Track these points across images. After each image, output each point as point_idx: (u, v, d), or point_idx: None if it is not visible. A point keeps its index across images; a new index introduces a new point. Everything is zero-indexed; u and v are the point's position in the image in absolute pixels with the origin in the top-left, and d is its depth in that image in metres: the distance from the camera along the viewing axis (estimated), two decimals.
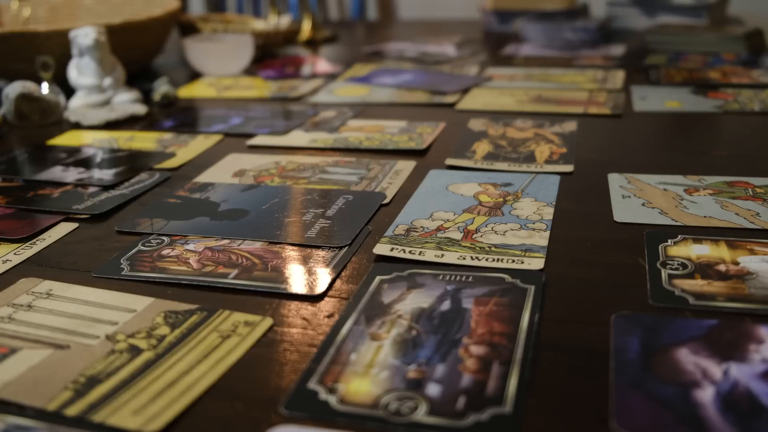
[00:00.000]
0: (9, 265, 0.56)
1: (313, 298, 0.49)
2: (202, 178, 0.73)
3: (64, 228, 0.62)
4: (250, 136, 0.86)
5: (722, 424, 0.35)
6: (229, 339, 0.44)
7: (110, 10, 1.34)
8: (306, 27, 1.49)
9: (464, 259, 0.53)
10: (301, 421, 0.37)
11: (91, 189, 0.70)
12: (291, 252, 0.56)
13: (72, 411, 0.38)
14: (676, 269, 0.50)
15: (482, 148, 0.78)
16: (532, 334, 0.43)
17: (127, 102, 0.99)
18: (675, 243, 0.54)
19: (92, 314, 0.48)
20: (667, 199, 0.62)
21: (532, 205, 0.63)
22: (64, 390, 0.39)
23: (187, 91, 1.09)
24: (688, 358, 0.41)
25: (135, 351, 0.43)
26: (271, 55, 1.34)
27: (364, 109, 0.96)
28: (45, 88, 0.97)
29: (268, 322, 0.46)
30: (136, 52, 1.13)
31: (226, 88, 1.10)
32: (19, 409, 0.38)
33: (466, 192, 0.66)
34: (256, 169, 0.74)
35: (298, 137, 0.85)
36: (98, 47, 0.97)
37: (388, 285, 0.50)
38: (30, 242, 0.59)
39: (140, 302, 0.49)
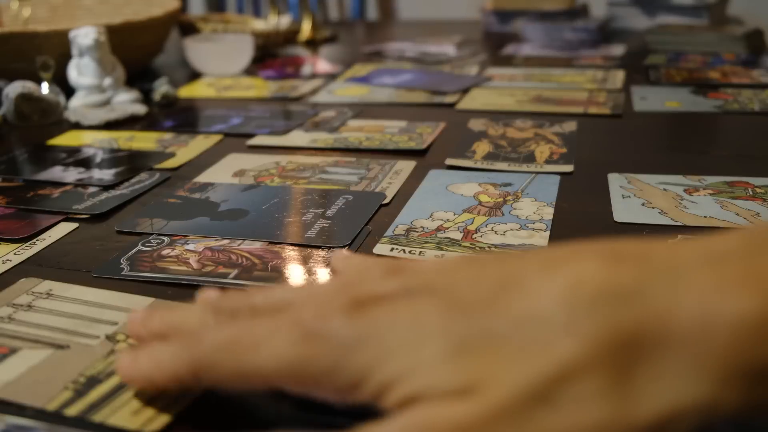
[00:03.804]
0: (9, 265, 0.56)
1: None
2: (202, 178, 0.73)
3: (64, 228, 0.62)
4: (250, 136, 0.86)
5: (722, 423, 0.35)
6: None
7: (110, 10, 1.34)
8: (306, 27, 1.49)
9: None
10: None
11: (91, 189, 0.70)
12: (291, 252, 0.56)
13: (72, 411, 0.38)
14: None
15: (482, 148, 0.78)
16: None
17: (127, 102, 0.99)
18: None
19: (92, 314, 0.48)
20: (667, 199, 0.62)
21: (532, 205, 0.63)
22: (64, 390, 0.39)
23: (187, 91, 1.09)
24: None
25: None
26: (271, 55, 1.34)
27: (364, 109, 0.96)
28: (45, 88, 0.97)
29: None
30: (136, 52, 1.13)
31: (226, 88, 1.10)
32: (19, 409, 0.38)
33: (466, 192, 0.66)
34: (256, 169, 0.74)
35: (298, 137, 0.85)
36: (98, 47, 0.97)
37: None
38: (30, 242, 0.59)
39: (140, 302, 0.49)
